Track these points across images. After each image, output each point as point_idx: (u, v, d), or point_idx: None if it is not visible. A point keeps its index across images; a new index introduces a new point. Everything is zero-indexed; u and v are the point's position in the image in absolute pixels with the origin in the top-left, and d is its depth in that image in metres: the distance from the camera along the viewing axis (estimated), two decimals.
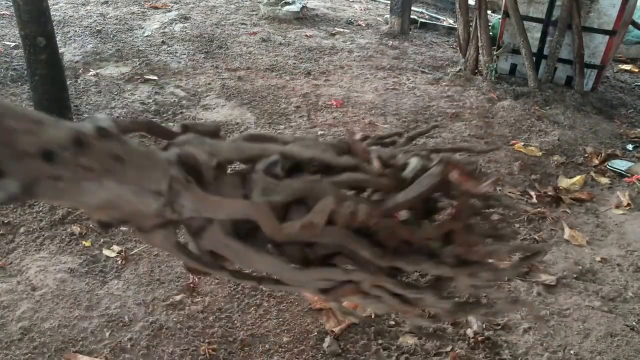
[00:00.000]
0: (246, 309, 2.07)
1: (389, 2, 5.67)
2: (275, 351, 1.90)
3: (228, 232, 0.75)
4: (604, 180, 3.09)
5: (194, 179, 0.68)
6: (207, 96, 3.87)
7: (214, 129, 0.78)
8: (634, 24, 4.66)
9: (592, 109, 3.96)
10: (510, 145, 3.39)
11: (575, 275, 2.32)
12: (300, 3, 5.91)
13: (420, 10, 6.50)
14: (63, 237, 2.39)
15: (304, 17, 5.85)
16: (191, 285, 2.15)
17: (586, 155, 3.35)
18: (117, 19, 5.36)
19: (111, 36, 4.88)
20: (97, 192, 0.58)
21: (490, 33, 4.34)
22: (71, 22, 5.13)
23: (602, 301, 2.18)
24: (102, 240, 2.39)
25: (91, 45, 4.61)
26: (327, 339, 1.95)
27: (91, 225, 2.47)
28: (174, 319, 1.99)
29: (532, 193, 2.92)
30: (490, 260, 0.95)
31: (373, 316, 2.05)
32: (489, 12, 4.83)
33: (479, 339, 1.96)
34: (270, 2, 5.87)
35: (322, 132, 3.43)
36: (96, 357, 1.84)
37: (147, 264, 2.26)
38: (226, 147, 0.76)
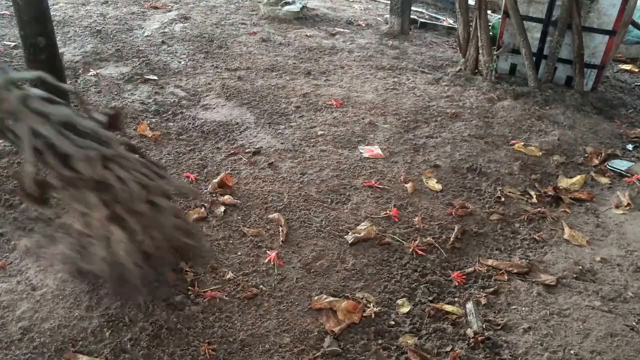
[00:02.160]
0: (246, 309, 2.07)
1: (389, 2, 5.67)
2: (275, 351, 1.90)
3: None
4: (604, 180, 3.09)
5: None
6: (207, 96, 3.87)
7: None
8: (634, 24, 4.66)
9: (592, 109, 3.96)
10: (510, 145, 3.40)
11: (575, 275, 2.32)
12: (300, 3, 5.91)
13: (420, 10, 6.51)
14: None
15: (304, 17, 5.85)
16: (191, 285, 2.15)
17: (586, 155, 3.35)
18: (117, 19, 5.36)
19: (111, 36, 4.88)
20: None
21: (490, 33, 4.34)
22: (71, 22, 5.14)
23: (602, 301, 2.18)
24: None
25: (91, 45, 4.61)
26: (327, 339, 1.95)
27: None
28: (174, 319, 1.99)
29: (532, 193, 2.92)
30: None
31: (373, 316, 2.05)
32: (489, 12, 4.83)
33: (479, 339, 1.96)
34: (270, 2, 5.87)
35: (322, 132, 3.43)
36: (96, 357, 1.84)
37: None
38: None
